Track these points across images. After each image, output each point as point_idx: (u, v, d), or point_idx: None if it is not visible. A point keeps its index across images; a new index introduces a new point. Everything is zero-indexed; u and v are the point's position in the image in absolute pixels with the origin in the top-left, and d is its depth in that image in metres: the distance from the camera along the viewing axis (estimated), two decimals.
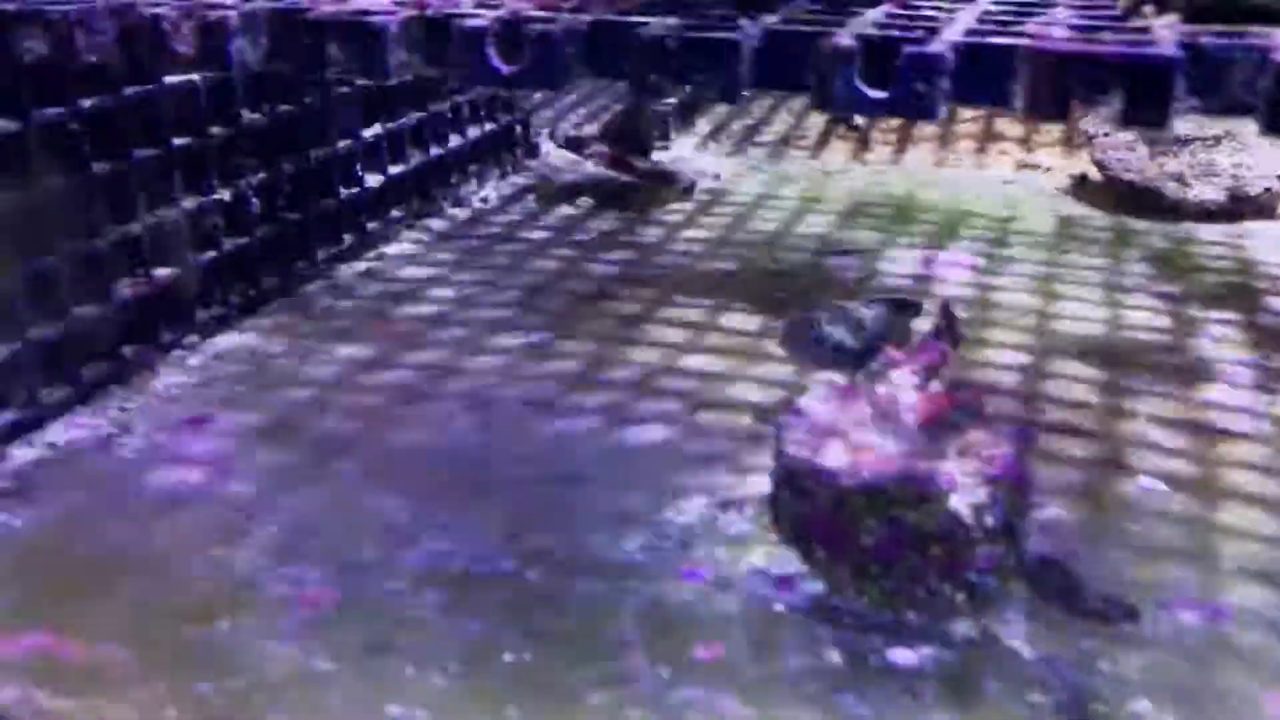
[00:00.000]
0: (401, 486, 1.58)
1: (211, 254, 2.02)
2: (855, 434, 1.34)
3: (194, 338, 1.99)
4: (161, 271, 1.91)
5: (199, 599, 1.34)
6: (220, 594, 1.35)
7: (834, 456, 1.31)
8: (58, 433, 1.70)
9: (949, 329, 1.48)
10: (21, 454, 1.64)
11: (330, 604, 1.34)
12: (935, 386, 1.41)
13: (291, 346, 2.03)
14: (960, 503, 1.26)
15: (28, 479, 1.58)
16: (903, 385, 1.38)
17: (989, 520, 1.28)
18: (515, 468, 1.63)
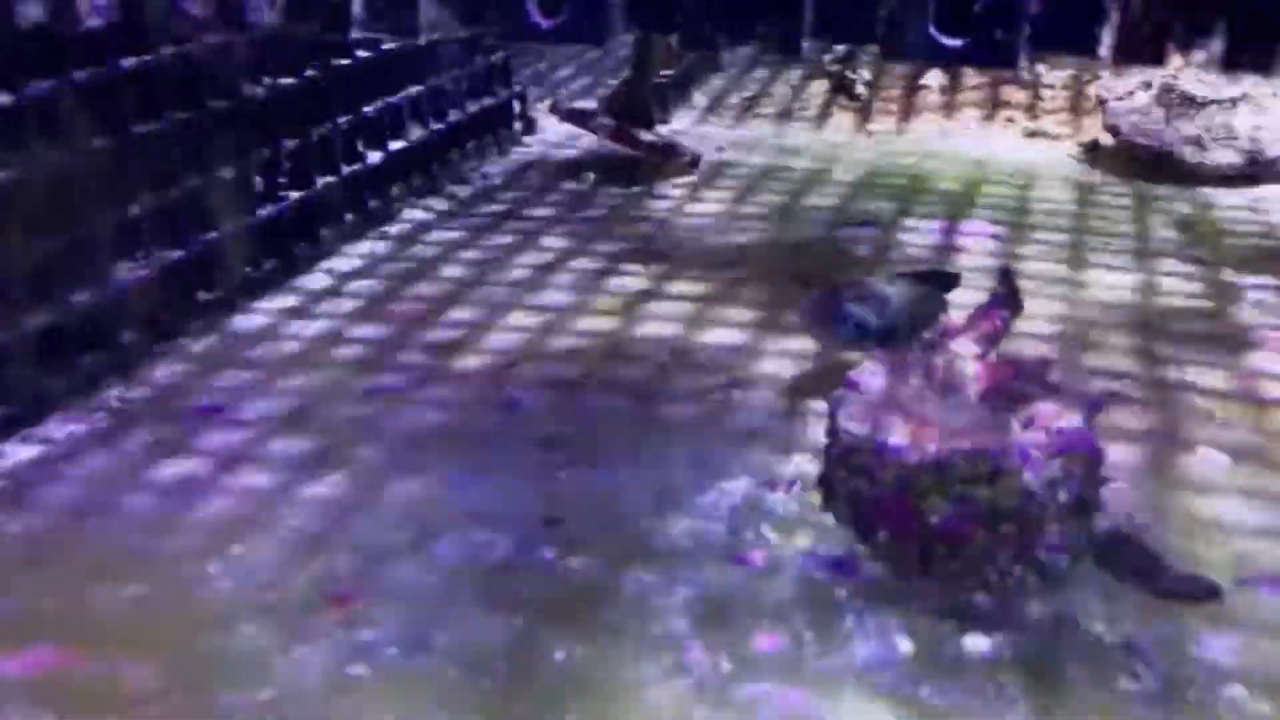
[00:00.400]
0: (428, 472, 1.50)
1: (213, 235, 1.92)
2: (915, 407, 1.27)
3: (196, 323, 1.89)
4: (161, 254, 1.81)
5: (218, 603, 1.25)
6: (241, 597, 1.26)
7: (897, 432, 1.24)
8: (55, 428, 1.60)
9: (1010, 295, 1.41)
10: (15, 452, 1.54)
11: (361, 602, 1.26)
12: (994, 355, 1.34)
13: (299, 330, 1.94)
14: (1033, 478, 1.20)
15: (24, 478, 1.49)
16: (962, 354, 1.31)
17: (1062, 496, 1.21)
18: (545, 450, 1.55)
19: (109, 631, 1.21)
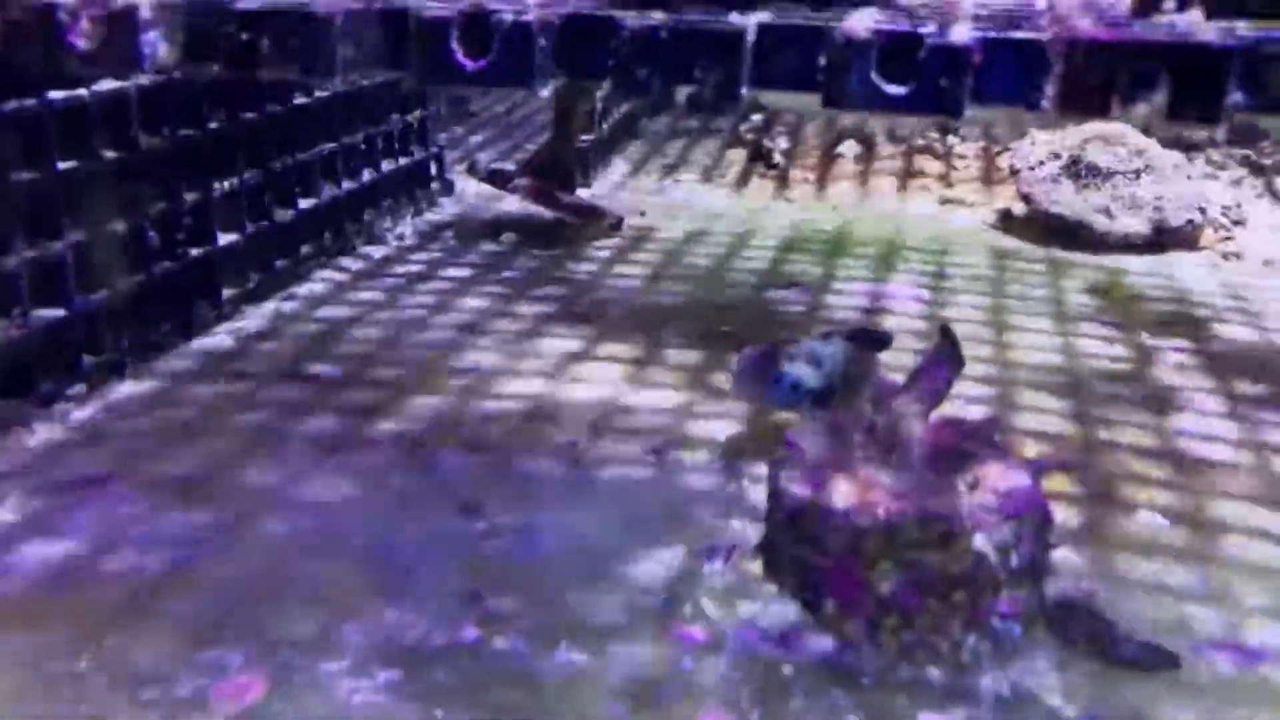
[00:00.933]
0: (336, 548, 1.38)
1: (102, 293, 1.77)
2: (860, 469, 1.21)
3: (79, 388, 1.74)
4: (41, 313, 1.66)
5: (90, 703, 1.10)
6: (116, 695, 1.11)
7: (842, 495, 1.18)
8: None
9: (951, 352, 1.37)
10: None
11: (258, 694, 1.12)
12: (936, 414, 1.30)
13: (196, 395, 1.80)
14: (984, 542, 1.14)
15: None
16: (905, 414, 1.26)
17: (1014, 560, 1.16)
18: (466, 520, 1.45)
19: None
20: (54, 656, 1.16)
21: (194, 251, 1.99)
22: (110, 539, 1.37)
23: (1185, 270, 2.62)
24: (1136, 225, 2.74)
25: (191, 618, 1.23)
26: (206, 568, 1.33)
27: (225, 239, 2.08)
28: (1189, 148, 3.31)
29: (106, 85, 1.70)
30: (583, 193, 3.06)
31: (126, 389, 1.79)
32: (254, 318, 2.13)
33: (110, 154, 1.77)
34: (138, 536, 1.38)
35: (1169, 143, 3.00)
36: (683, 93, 3.28)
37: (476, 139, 3.74)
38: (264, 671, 1.15)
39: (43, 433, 1.63)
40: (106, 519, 1.42)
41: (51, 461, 1.56)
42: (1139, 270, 2.61)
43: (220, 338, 2.03)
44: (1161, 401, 1.88)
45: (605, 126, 3.45)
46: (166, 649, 1.18)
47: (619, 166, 3.48)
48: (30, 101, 1.59)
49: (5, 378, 1.59)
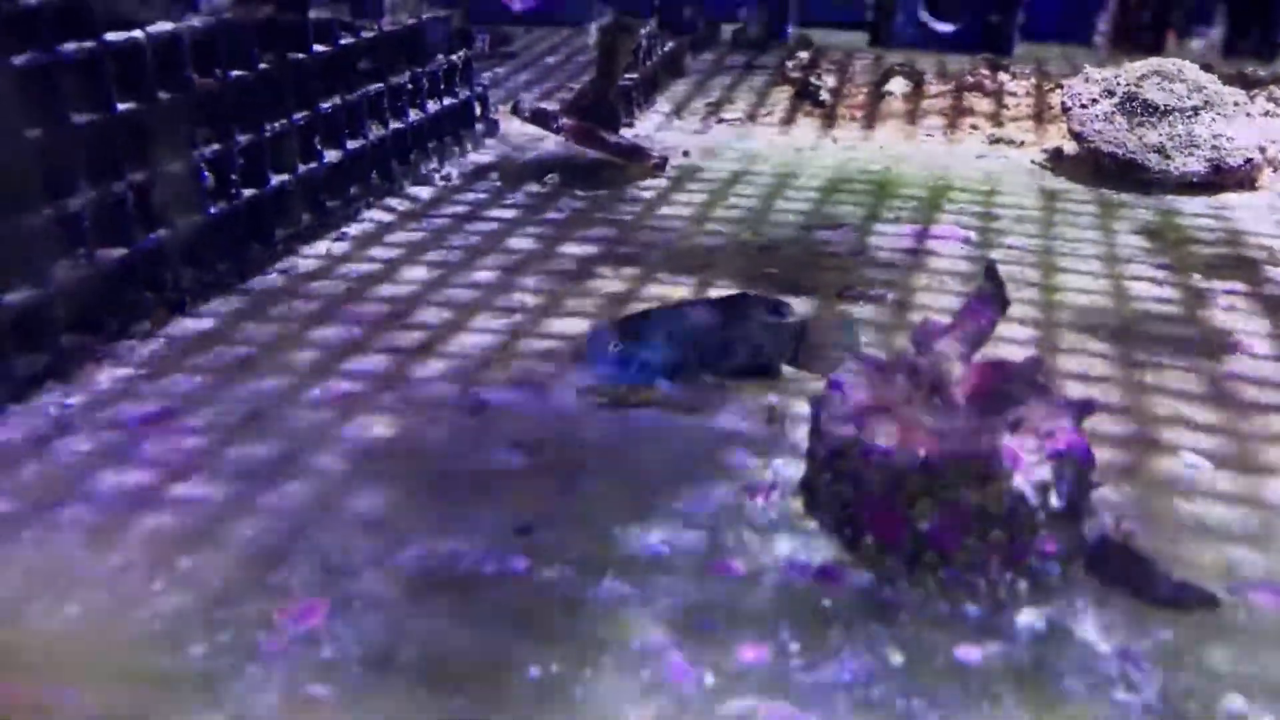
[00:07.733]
0: (390, 480, 1.43)
1: (161, 232, 1.82)
2: (902, 409, 1.23)
3: (143, 326, 1.80)
4: (104, 253, 1.71)
5: (164, 621, 1.16)
6: (189, 614, 1.18)
7: (884, 434, 1.19)
8: None
9: (996, 293, 1.37)
10: None
11: (319, 617, 1.18)
12: (979, 355, 1.30)
13: (253, 333, 1.85)
14: (1024, 482, 1.16)
15: None
16: (948, 355, 1.27)
17: (1054, 501, 1.18)
18: (515, 455, 1.49)
19: (44, 654, 1.12)
20: (130, 577, 1.22)
21: (247, 192, 2.03)
22: (176, 469, 1.43)
23: (1242, 211, 2.56)
24: (1193, 165, 2.67)
25: (255, 544, 1.29)
26: (266, 498, 1.38)
27: (276, 179, 2.12)
28: (1251, 84, 3.21)
29: (162, 27, 1.72)
30: (626, 132, 3.05)
31: (186, 327, 1.85)
32: (306, 258, 2.17)
33: (165, 95, 1.80)
34: (201, 467, 1.44)
35: (1230, 79, 2.91)
36: (728, 30, 3.21)
37: (519, 79, 3.73)
38: (325, 595, 1.20)
39: (109, 368, 1.69)
40: (172, 450, 1.48)
41: (119, 395, 1.62)
42: (1193, 211, 2.55)
43: (273, 277, 2.08)
44: (1211, 345, 1.86)
45: (649, 65, 3.42)
46: (233, 572, 1.24)
47: (663, 106, 3.45)
48: (89, 43, 1.62)
49: (73, 315, 1.65)
